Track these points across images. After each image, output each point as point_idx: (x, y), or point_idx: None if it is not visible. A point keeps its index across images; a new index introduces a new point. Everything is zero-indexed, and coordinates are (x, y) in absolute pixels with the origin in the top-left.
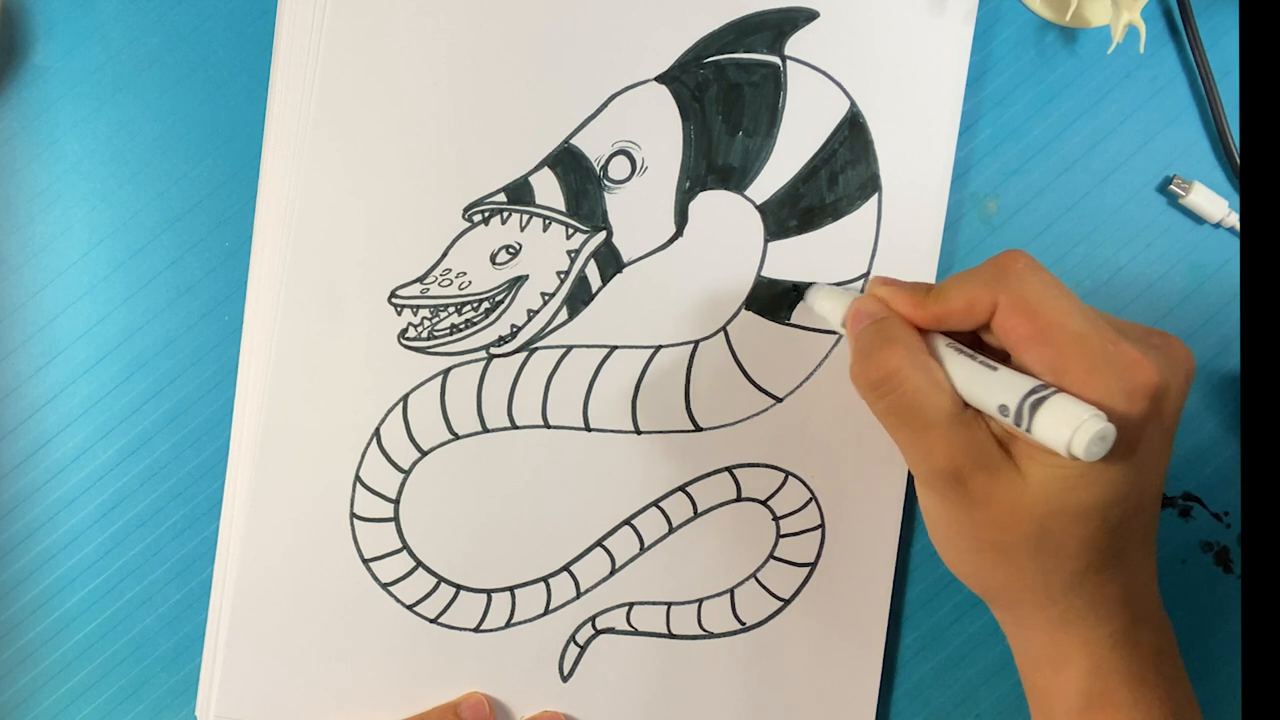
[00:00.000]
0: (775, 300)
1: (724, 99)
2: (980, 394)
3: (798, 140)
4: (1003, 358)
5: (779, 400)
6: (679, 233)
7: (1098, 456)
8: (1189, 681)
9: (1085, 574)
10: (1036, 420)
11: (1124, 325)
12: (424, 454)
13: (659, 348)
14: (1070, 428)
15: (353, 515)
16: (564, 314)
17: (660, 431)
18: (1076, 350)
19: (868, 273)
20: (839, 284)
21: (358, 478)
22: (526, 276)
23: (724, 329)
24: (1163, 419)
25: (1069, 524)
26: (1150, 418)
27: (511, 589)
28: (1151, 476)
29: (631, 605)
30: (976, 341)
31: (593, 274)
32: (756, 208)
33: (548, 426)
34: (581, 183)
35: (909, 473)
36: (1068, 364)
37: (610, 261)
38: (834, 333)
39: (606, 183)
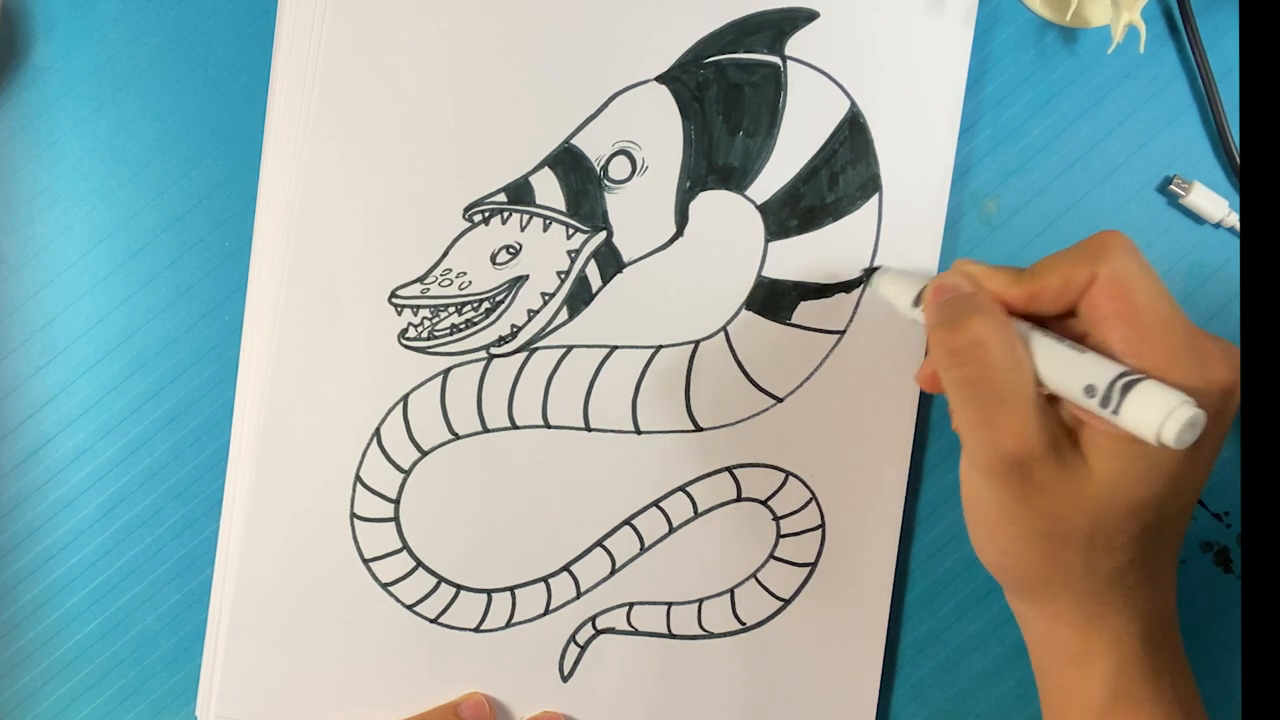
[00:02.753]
0: (776, 300)
1: (724, 99)
2: (1065, 375)
3: (798, 140)
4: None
5: (779, 400)
6: (679, 233)
7: (1187, 444)
8: (1196, 684)
9: (1127, 569)
10: (1127, 403)
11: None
12: (424, 454)
13: (659, 348)
14: (1162, 413)
15: (353, 515)
16: (564, 314)
17: (660, 431)
18: (1162, 334)
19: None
20: (840, 285)
21: (358, 478)
22: (527, 276)
23: (724, 329)
24: (1224, 419)
25: (1124, 517)
26: (1219, 415)
27: (512, 589)
28: (1202, 474)
29: (632, 605)
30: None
31: (593, 274)
32: (757, 208)
33: (548, 426)
34: (582, 183)
35: (909, 474)
36: (1152, 347)
37: (610, 261)
38: (835, 333)
39: (607, 183)
